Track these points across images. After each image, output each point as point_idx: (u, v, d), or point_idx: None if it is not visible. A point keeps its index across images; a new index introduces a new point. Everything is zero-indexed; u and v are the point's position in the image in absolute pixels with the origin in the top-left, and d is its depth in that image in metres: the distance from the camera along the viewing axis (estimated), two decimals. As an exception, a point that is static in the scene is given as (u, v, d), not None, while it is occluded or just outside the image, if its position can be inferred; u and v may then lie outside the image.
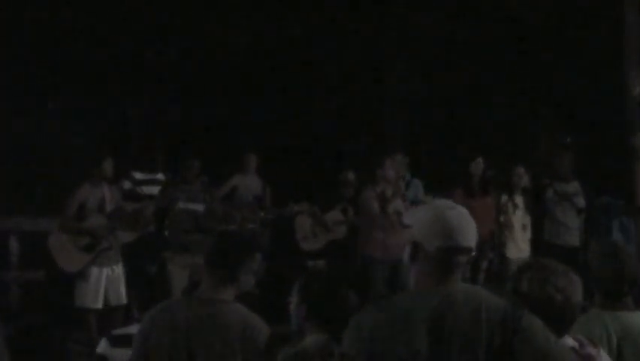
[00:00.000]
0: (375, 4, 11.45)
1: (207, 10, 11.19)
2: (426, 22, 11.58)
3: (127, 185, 8.08)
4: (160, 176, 8.29)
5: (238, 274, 3.50)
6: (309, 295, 3.35)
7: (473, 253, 2.77)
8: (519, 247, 8.64)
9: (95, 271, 7.12)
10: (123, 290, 7.16)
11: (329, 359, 2.40)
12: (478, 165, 8.84)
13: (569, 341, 2.92)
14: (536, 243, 8.71)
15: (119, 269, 7.21)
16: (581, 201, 8.68)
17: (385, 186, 7.97)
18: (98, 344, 4.25)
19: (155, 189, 8.11)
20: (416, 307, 2.63)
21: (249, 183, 8.95)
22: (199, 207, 7.80)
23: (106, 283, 7.12)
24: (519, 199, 8.71)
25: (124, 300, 7.16)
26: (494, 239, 8.64)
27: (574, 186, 8.74)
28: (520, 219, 8.68)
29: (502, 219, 8.64)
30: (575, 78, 11.25)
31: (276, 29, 11.35)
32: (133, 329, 4.31)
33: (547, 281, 2.91)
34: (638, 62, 9.84)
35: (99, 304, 7.09)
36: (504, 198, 8.67)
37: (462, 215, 2.76)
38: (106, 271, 7.14)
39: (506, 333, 2.58)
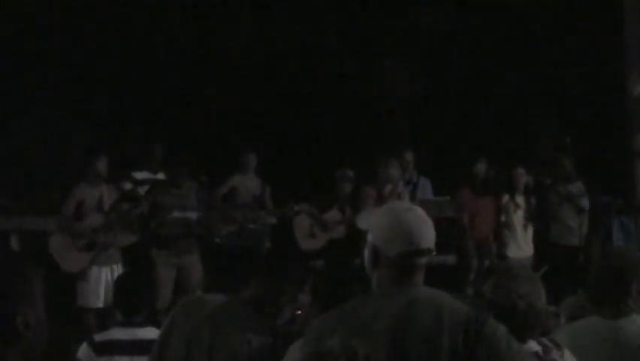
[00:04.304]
0: (375, 3, 11.45)
1: (208, 9, 11.19)
2: (426, 22, 11.58)
3: (127, 186, 8.07)
4: (160, 176, 8.27)
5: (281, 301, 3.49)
6: (322, 295, 3.36)
7: (434, 253, 2.76)
8: (520, 246, 8.65)
9: (95, 270, 7.15)
10: None
11: (354, 359, 2.39)
12: (482, 165, 8.83)
13: (534, 345, 2.91)
14: (539, 243, 8.73)
15: (118, 269, 7.20)
16: (584, 202, 8.68)
17: (384, 185, 8.02)
18: (79, 348, 4.26)
19: (154, 190, 8.08)
20: (379, 311, 2.62)
21: (248, 183, 8.90)
22: (192, 215, 7.62)
23: (105, 282, 7.12)
24: (520, 199, 8.71)
25: None
26: (496, 238, 8.65)
27: (577, 187, 8.74)
28: (521, 219, 8.68)
29: (503, 218, 8.65)
30: (575, 78, 11.24)
31: (275, 29, 11.35)
32: (114, 333, 4.31)
33: (510, 287, 2.90)
34: (638, 62, 9.85)
35: (100, 304, 7.13)
36: (505, 198, 8.68)
37: (419, 217, 2.75)
38: (105, 270, 7.16)
39: (469, 338, 2.55)
